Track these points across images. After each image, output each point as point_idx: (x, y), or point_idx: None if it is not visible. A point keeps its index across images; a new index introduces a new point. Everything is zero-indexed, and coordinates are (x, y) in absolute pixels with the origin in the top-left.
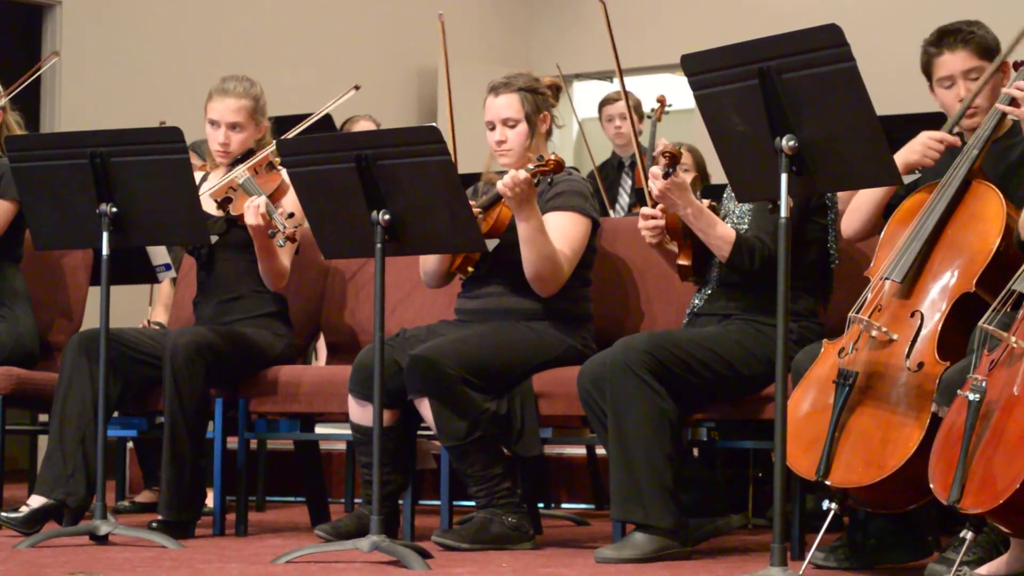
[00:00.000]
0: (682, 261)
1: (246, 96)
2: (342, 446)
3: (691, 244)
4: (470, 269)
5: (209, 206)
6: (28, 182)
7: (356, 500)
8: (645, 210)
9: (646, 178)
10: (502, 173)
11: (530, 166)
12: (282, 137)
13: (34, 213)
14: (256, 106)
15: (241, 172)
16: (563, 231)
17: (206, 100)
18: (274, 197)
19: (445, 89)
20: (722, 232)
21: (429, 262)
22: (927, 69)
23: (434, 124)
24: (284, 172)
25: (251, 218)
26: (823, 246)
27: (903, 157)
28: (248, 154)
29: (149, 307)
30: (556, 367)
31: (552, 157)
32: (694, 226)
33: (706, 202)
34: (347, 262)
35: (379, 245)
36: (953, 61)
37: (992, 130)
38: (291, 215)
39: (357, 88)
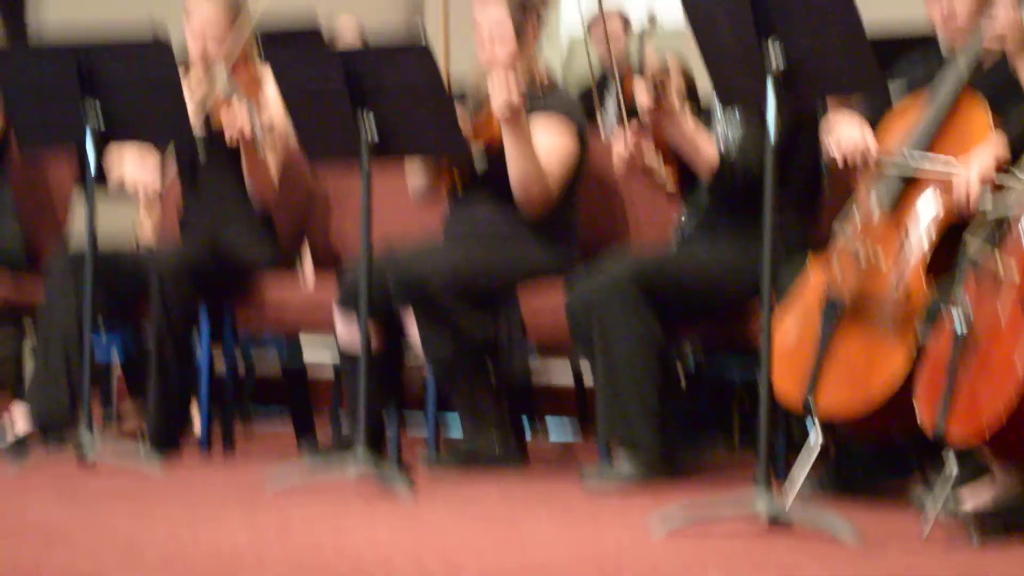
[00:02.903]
0: (669, 172)
1: (222, 3)
2: (328, 363)
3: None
4: (459, 191)
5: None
6: (13, 85)
7: (340, 411)
8: (619, 148)
9: (623, 99)
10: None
11: (520, 77)
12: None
13: (18, 113)
14: (236, 12)
15: (222, 80)
16: (551, 148)
17: (187, 3)
18: (250, 92)
19: None
20: (706, 154)
21: (416, 174)
22: None
23: (423, 44)
24: (265, 77)
25: (235, 132)
26: (816, 165)
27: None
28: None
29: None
30: (543, 278)
31: (544, 77)
32: (680, 148)
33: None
34: (333, 180)
35: (364, 149)
36: None
37: (980, 44)
38: (271, 128)
39: None
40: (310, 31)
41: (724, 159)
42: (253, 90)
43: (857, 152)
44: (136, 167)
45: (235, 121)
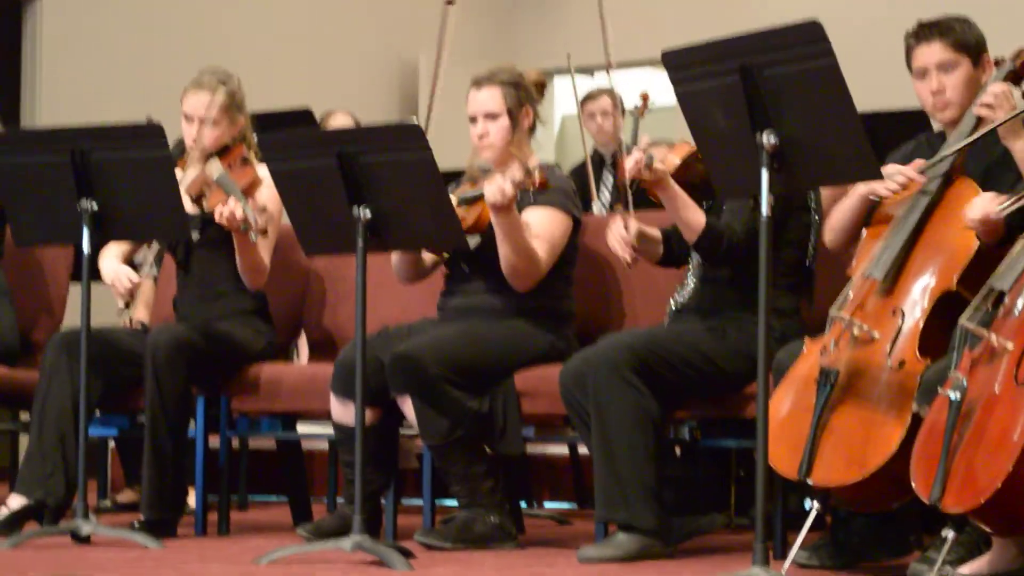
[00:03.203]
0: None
1: (220, 91)
2: (324, 445)
3: None
4: (445, 255)
5: (186, 203)
6: (8, 178)
7: (338, 499)
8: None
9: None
10: (487, 171)
11: (516, 173)
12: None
13: (14, 209)
14: (231, 101)
15: (215, 168)
16: (543, 228)
17: (182, 94)
18: (247, 192)
19: (427, 83)
20: (694, 216)
21: (397, 255)
22: (907, 61)
23: (416, 123)
24: (257, 166)
25: (226, 215)
26: (804, 245)
27: (867, 183)
28: (224, 150)
29: (130, 305)
30: (538, 365)
31: (538, 176)
32: (669, 206)
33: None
34: (328, 260)
35: (361, 242)
36: (928, 53)
37: (972, 128)
38: (263, 209)
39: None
40: (303, 117)
41: (710, 223)
42: (246, 174)
43: (898, 176)
44: (111, 263)
45: (225, 207)
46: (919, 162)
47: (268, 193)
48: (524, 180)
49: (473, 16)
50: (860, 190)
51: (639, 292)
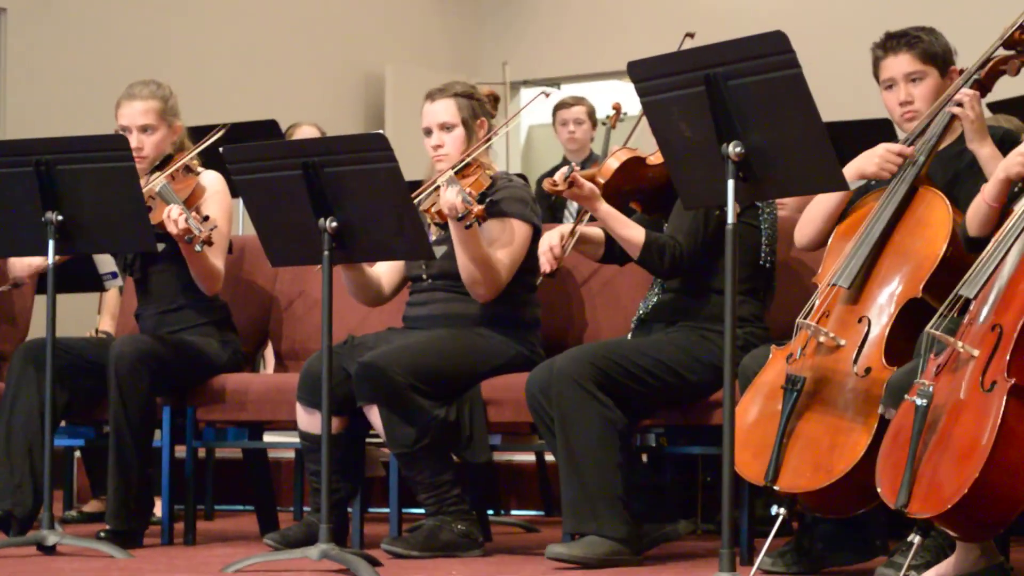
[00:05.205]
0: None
1: (153, 98)
2: (291, 454)
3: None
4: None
5: None
6: None
7: (305, 508)
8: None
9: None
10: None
11: (459, 204)
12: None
13: None
14: (165, 107)
15: (157, 180)
16: (502, 237)
17: (115, 109)
18: (190, 201)
19: (392, 95)
20: (632, 233)
21: (348, 282)
22: (874, 72)
23: (381, 131)
24: (201, 176)
25: (171, 228)
26: (755, 248)
27: (858, 166)
28: (167, 160)
29: (97, 316)
30: (505, 373)
31: (475, 209)
32: (605, 226)
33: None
34: (294, 271)
35: (326, 252)
36: (895, 64)
37: (939, 137)
38: (206, 218)
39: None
40: (268, 128)
41: (650, 239)
42: (188, 184)
43: (886, 156)
44: None
45: (168, 219)
46: (898, 147)
47: (214, 200)
48: (466, 208)
49: (442, 27)
50: (849, 175)
51: (601, 302)
